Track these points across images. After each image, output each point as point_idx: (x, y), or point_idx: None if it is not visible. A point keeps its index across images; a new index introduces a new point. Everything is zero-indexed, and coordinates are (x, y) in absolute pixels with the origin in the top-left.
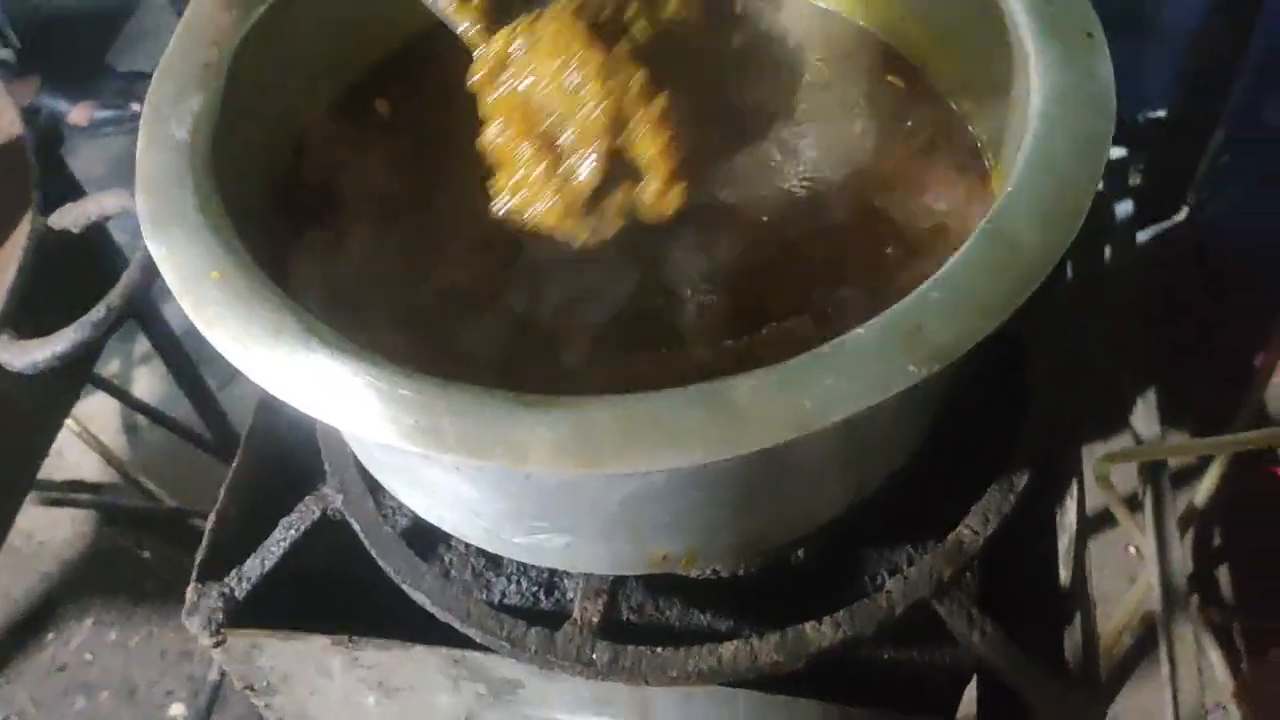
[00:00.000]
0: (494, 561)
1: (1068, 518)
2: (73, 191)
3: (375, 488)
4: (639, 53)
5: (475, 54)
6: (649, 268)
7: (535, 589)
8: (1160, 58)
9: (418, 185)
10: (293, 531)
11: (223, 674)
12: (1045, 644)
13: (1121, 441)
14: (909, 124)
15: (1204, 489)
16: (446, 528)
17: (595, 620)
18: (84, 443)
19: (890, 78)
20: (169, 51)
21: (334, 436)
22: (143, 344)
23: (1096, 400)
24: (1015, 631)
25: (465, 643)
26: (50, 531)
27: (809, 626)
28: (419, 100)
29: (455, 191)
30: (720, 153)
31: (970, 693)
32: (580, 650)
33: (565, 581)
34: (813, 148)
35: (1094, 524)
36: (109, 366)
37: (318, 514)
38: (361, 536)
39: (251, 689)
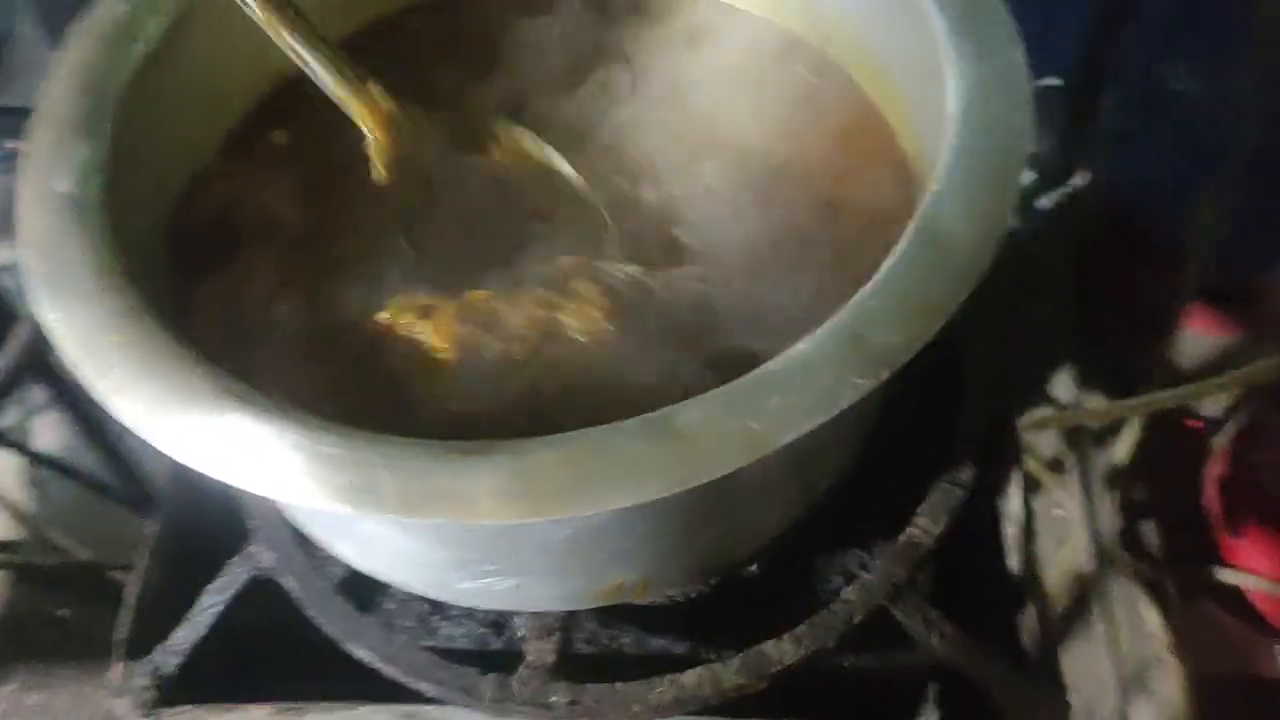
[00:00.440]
0: (438, 605)
1: (1012, 505)
2: None
3: (305, 540)
4: None
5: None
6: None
7: (483, 631)
8: (1063, 29)
9: (321, 216)
10: (221, 597)
11: None
12: (1001, 634)
13: (1046, 410)
14: (828, 118)
15: (1121, 449)
16: (385, 580)
17: (551, 660)
18: None
19: (802, 70)
20: (47, 97)
21: None
22: (40, 391)
23: (1026, 376)
24: (971, 626)
25: (416, 696)
26: None
27: (769, 645)
28: (316, 127)
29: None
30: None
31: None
32: (537, 694)
33: (515, 619)
34: (730, 146)
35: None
36: (4, 419)
37: (247, 576)
38: (295, 597)
39: None
